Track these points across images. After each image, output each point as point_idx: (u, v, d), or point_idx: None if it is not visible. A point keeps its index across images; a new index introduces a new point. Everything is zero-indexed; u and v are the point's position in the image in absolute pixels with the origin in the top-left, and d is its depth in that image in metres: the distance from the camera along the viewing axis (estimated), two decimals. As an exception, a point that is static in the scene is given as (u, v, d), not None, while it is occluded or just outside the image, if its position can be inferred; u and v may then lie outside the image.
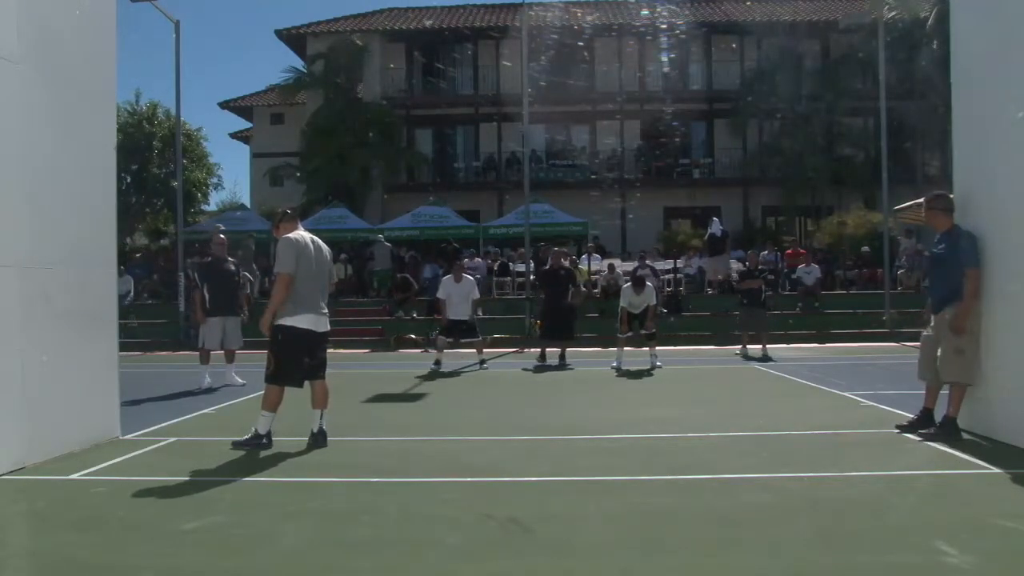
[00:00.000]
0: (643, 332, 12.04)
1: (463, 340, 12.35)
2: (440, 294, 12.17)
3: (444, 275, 13.75)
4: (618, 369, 11.38)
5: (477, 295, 12.32)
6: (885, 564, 3.35)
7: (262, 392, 5.91)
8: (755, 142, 27.33)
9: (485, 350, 12.56)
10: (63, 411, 5.60)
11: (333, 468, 5.29)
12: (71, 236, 5.80)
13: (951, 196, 6.11)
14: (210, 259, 10.30)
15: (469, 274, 13.06)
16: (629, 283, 12.48)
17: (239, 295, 10.30)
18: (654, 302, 12.33)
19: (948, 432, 5.77)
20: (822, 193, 25.92)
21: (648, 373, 11.05)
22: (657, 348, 11.87)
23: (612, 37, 27.22)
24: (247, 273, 18.68)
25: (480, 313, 12.76)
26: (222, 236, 10.61)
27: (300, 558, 3.54)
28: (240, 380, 9.86)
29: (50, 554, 3.65)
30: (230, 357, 10.08)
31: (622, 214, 26.30)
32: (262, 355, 5.95)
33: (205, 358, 9.98)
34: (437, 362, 11.75)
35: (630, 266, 19.34)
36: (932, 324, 6.03)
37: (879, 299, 18.12)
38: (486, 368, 11.93)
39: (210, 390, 9.46)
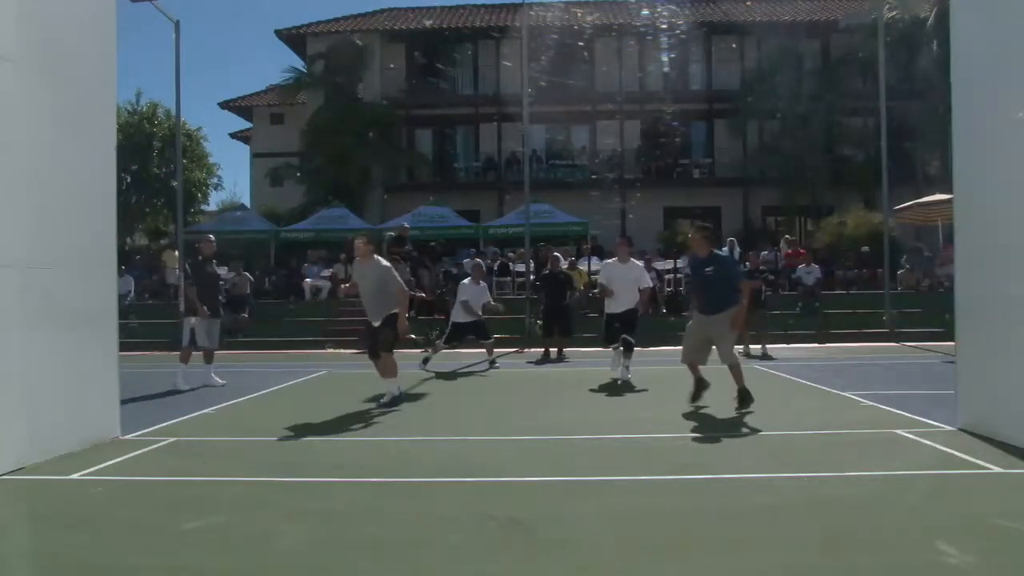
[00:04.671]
0: (623, 336, 9.92)
1: (481, 342, 12.50)
2: (462, 296, 12.36)
3: (463, 279, 13.63)
4: (620, 380, 9.77)
5: (488, 297, 12.80)
6: (885, 564, 3.35)
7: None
8: (755, 142, 27.25)
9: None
10: (63, 411, 5.60)
11: (333, 468, 5.29)
12: (71, 236, 5.80)
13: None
14: (200, 259, 10.36)
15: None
16: (613, 259, 10.46)
17: (220, 297, 10.82)
18: (646, 284, 10.55)
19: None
20: (822, 193, 25.85)
21: (626, 384, 9.66)
22: (633, 359, 10.09)
23: (612, 37, 27.18)
24: (247, 273, 18.79)
25: (491, 302, 13.03)
26: (210, 236, 10.83)
27: (300, 558, 3.54)
28: (220, 381, 9.93)
29: (50, 554, 3.65)
30: (209, 357, 10.10)
31: (622, 214, 26.23)
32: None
33: (186, 357, 10.00)
34: (426, 360, 11.66)
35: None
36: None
37: (879, 299, 18.10)
38: (497, 368, 12.00)
39: (192, 390, 9.43)
